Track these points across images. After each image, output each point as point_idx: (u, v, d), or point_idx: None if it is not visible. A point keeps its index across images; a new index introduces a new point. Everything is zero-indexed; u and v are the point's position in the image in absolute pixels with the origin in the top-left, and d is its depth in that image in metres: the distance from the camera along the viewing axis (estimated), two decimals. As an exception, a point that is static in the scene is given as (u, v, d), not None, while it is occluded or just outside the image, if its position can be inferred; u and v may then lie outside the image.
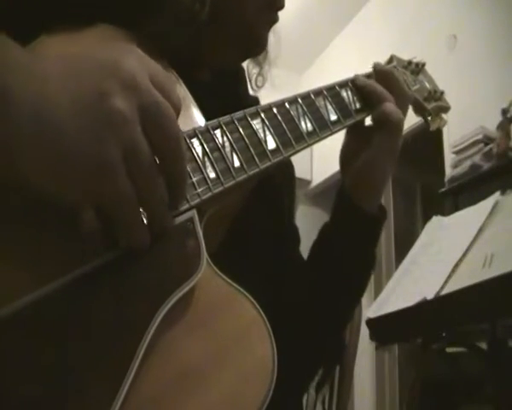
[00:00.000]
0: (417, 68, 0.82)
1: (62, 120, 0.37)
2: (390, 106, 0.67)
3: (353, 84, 0.69)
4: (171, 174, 0.42)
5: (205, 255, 0.44)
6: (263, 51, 0.70)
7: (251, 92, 0.77)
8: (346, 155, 0.73)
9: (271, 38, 0.70)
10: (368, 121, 0.72)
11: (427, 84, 0.82)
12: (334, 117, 0.64)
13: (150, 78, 0.41)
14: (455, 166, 2.79)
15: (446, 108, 0.83)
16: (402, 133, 0.69)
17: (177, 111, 0.43)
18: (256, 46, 0.69)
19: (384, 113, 0.67)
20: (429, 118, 0.80)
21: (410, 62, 0.81)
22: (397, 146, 0.69)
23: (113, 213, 0.39)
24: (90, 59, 0.41)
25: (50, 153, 0.36)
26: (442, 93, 0.82)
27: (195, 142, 0.49)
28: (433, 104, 0.80)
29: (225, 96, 0.64)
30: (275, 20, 0.68)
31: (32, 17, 0.49)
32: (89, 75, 0.39)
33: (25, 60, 0.38)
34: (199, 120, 0.53)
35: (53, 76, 0.38)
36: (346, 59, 4.08)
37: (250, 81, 0.76)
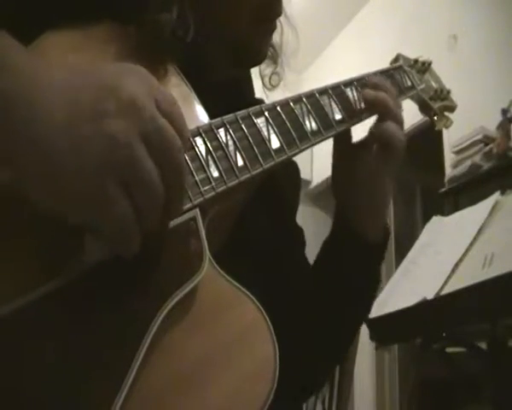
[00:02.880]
0: (423, 67, 0.81)
1: (54, 135, 0.36)
2: (396, 128, 0.63)
3: (359, 84, 0.68)
4: (169, 199, 0.40)
5: (207, 255, 0.44)
6: (263, 60, 0.68)
7: (263, 92, 0.74)
8: (339, 178, 0.69)
9: (277, 38, 0.69)
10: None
11: (434, 83, 0.82)
12: (338, 116, 0.63)
13: (156, 102, 0.40)
14: (455, 166, 2.78)
15: (453, 108, 0.82)
16: (402, 154, 0.65)
17: (184, 137, 0.41)
18: (254, 58, 0.67)
19: (389, 132, 0.63)
20: (435, 117, 0.79)
21: (416, 61, 0.81)
22: (396, 169, 0.65)
23: (109, 234, 0.38)
24: (91, 75, 0.40)
25: (41, 166, 0.36)
26: (448, 92, 0.81)
27: (199, 140, 0.48)
28: (439, 103, 0.80)
29: (231, 97, 0.62)
30: (272, 28, 0.66)
31: (36, 14, 0.49)
32: (88, 93, 0.38)
33: (25, 65, 0.37)
34: (203, 118, 0.52)
35: (52, 87, 0.37)
36: (347, 59, 4.07)
37: (263, 80, 0.74)
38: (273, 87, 0.74)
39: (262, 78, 0.73)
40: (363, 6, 4.27)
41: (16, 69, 0.36)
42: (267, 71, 0.73)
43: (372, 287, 0.69)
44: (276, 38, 0.68)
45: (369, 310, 0.71)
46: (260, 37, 0.65)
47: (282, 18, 0.66)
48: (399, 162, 0.65)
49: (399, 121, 0.64)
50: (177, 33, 0.54)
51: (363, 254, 0.65)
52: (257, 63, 0.69)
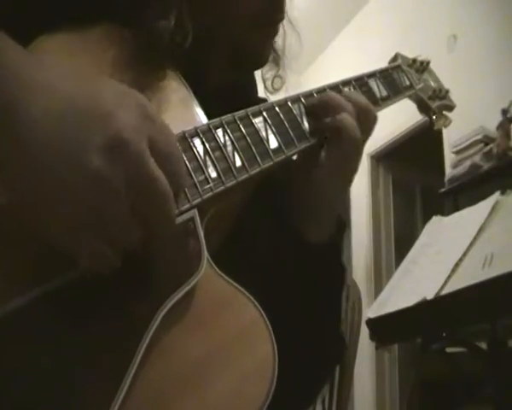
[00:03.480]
0: (422, 66, 0.81)
1: (35, 152, 0.35)
2: (347, 120, 0.57)
3: (357, 83, 0.66)
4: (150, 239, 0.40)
5: (205, 255, 0.44)
6: (265, 64, 0.67)
7: (264, 95, 0.74)
8: (293, 181, 0.63)
9: (279, 41, 0.68)
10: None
11: (432, 83, 0.81)
12: None
13: (150, 140, 0.38)
14: (455, 166, 2.79)
15: (451, 107, 0.82)
16: (358, 153, 0.59)
17: (179, 184, 0.40)
18: (256, 62, 0.66)
19: (337, 127, 0.57)
20: (434, 117, 0.79)
21: (414, 60, 0.80)
22: (349, 167, 0.59)
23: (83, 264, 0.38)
24: (85, 92, 0.38)
25: (24, 183, 0.35)
26: (447, 92, 0.81)
27: (197, 141, 0.48)
28: (437, 103, 0.79)
29: (234, 101, 0.61)
30: (273, 32, 0.65)
31: (33, 16, 0.49)
32: (78, 114, 0.36)
33: (20, 68, 0.36)
34: (201, 119, 0.52)
35: (39, 97, 0.36)
36: (346, 59, 4.08)
37: (265, 83, 0.73)
38: (275, 90, 0.73)
39: (264, 81, 0.73)
40: (362, 6, 4.28)
41: (10, 73, 0.35)
42: (269, 74, 0.72)
43: (321, 287, 0.63)
44: (278, 41, 0.68)
45: (332, 310, 0.66)
46: (262, 41, 0.64)
47: (284, 21, 0.66)
48: (353, 158, 0.59)
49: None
50: (175, 40, 0.53)
51: (302, 252, 0.61)
52: (259, 67, 0.68)
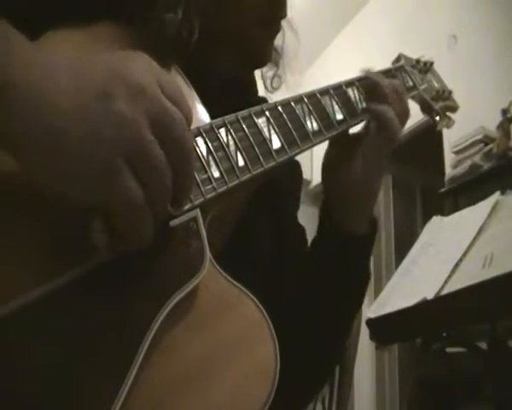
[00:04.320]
0: (425, 67, 0.81)
1: (62, 117, 0.36)
2: (392, 112, 0.63)
3: (360, 82, 0.67)
4: (177, 182, 0.41)
5: (208, 255, 0.44)
6: (267, 63, 0.68)
7: (264, 94, 0.73)
8: (329, 169, 0.67)
9: (279, 41, 0.68)
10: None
11: (436, 84, 0.81)
12: (340, 116, 0.63)
13: (160, 86, 0.41)
14: (455, 166, 2.79)
15: (454, 108, 0.82)
16: (393, 147, 0.63)
17: (189, 121, 0.42)
18: (259, 59, 0.67)
19: (385, 115, 0.62)
20: (437, 118, 0.79)
21: (418, 61, 0.80)
22: (386, 158, 0.63)
23: (120, 216, 0.39)
24: (97, 61, 0.40)
25: (50, 151, 0.36)
26: (450, 92, 0.81)
27: (200, 140, 0.48)
28: (440, 104, 0.79)
29: (235, 99, 0.61)
30: (276, 30, 0.66)
31: (39, 12, 0.49)
32: (94, 76, 0.39)
33: (28, 51, 0.37)
34: (204, 118, 0.52)
35: (57, 71, 0.37)
36: (346, 59, 4.07)
37: (265, 83, 0.74)
38: (274, 89, 0.73)
39: (264, 80, 0.73)
40: (362, 7, 4.27)
41: (20, 56, 0.36)
42: (269, 73, 0.73)
43: (359, 280, 0.67)
44: (277, 40, 0.68)
45: (359, 305, 0.69)
46: (266, 38, 0.65)
47: (283, 21, 0.66)
48: (391, 149, 0.63)
49: (402, 119, 0.65)
50: (181, 34, 0.54)
51: (345, 245, 0.64)
52: (262, 65, 0.69)
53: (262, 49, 0.65)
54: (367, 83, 0.66)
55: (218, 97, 0.55)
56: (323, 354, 0.68)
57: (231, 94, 0.63)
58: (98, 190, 0.38)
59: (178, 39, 0.54)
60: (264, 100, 0.72)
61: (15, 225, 0.38)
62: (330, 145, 0.68)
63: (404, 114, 0.66)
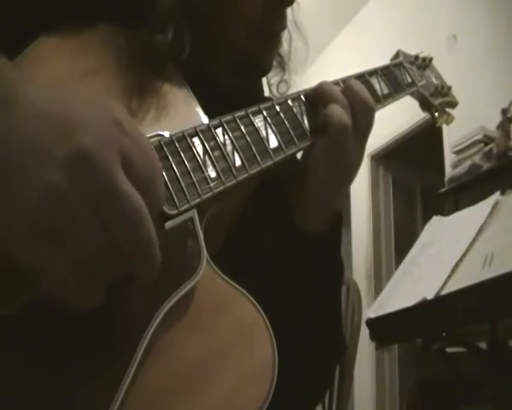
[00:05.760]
0: (424, 63, 0.80)
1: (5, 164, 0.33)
2: (334, 108, 0.56)
3: (358, 79, 0.64)
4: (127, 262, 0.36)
5: (205, 256, 0.44)
6: (268, 72, 0.67)
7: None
8: (292, 175, 0.62)
9: (285, 46, 0.67)
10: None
11: (434, 80, 0.81)
12: None
13: (122, 154, 0.35)
14: (455, 166, 2.79)
15: (454, 104, 0.81)
16: (345, 141, 0.57)
17: (156, 208, 0.37)
18: (258, 70, 0.66)
19: (325, 115, 0.56)
20: (436, 114, 0.79)
21: (416, 57, 0.80)
22: (340, 156, 0.57)
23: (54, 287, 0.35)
24: (52, 106, 0.35)
25: None
26: (449, 88, 0.80)
27: (196, 140, 0.48)
28: (439, 100, 0.79)
29: (239, 104, 0.61)
30: (276, 41, 0.64)
31: (31, 17, 0.48)
32: (44, 132, 0.34)
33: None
34: (201, 118, 0.52)
35: (13, 119, 0.34)
36: (346, 59, 4.07)
37: (270, 88, 0.72)
38: (280, 95, 0.72)
39: (269, 86, 0.72)
40: (362, 6, 4.28)
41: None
42: (274, 79, 0.72)
43: (318, 278, 0.62)
44: (284, 45, 0.67)
45: (333, 305, 0.65)
46: (263, 49, 0.63)
47: (290, 26, 0.66)
48: (340, 148, 0.57)
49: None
50: (171, 54, 0.53)
51: (298, 241, 0.60)
52: (262, 76, 0.68)
53: (260, 61, 0.64)
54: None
55: (224, 106, 0.53)
56: (323, 354, 0.68)
57: (238, 102, 0.62)
58: (23, 256, 0.34)
59: (168, 58, 0.53)
60: (269, 100, 0.72)
61: None
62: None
63: (359, 103, 0.59)
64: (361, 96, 0.59)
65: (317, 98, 0.59)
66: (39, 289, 0.36)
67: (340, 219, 0.63)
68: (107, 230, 0.34)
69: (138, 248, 0.35)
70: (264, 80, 0.72)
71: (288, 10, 0.64)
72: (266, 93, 0.73)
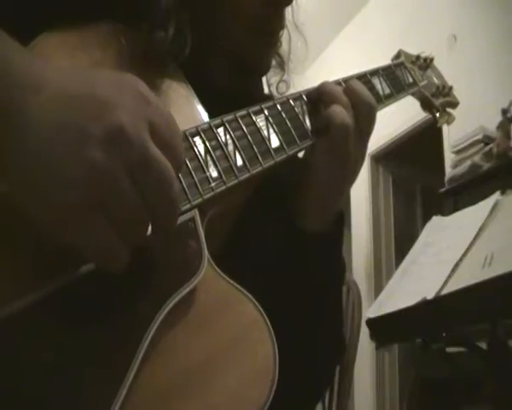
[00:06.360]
0: (425, 63, 0.80)
1: (40, 150, 0.35)
2: (336, 108, 0.56)
3: (359, 80, 0.64)
4: (157, 225, 0.39)
5: (206, 256, 0.44)
6: (267, 72, 0.67)
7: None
8: (294, 175, 0.62)
9: (284, 46, 0.67)
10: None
11: (436, 80, 0.81)
12: None
13: (151, 126, 0.38)
14: (455, 166, 2.79)
15: (455, 104, 0.81)
16: (347, 140, 0.56)
17: (177, 168, 0.40)
18: (256, 69, 0.66)
19: (327, 115, 0.56)
20: (437, 114, 0.79)
21: (418, 57, 0.80)
22: (341, 156, 0.57)
23: (92, 257, 0.38)
24: (86, 85, 0.38)
25: (29, 177, 0.35)
26: (451, 88, 0.80)
27: (198, 140, 0.48)
28: (441, 100, 0.79)
29: (243, 105, 0.58)
30: (274, 42, 0.64)
31: (33, 14, 0.49)
32: (78, 108, 0.36)
33: (23, 71, 0.36)
34: (202, 116, 0.52)
35: (47, 103, 0.36)
36: (346, 59, 4.07)
37: (269, 88, 0.72)
38: (280, 95, 0.72)
39: (269, 86, 0.72)
40: (362, 6, 4.28)
41: (17, 75, 0.36)
42: (273, 79, 0.72)
43: (319, 277, 0.62)
44: (283, 45, 0.67)
45: (334, 304, 0.65)
46: (261, 49, 0.63)
47: (290, 25, 0.66)
48: (342, 149, 0.57)
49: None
50: (172, 51, 0.53)
51: (297, 240, 0.60)
52: (261, 74, 0.68)
53: (258, 61, 0.64)
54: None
55: (225, 104, 0.54)
56: (324, 352, 0.68)
57: (238, 101, 0.62)
58: (71, 235, 0.36)
59: (169, 55, 0.53)
60: (269, 98, 0.72)
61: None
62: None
63: (361, 103, 0.58)
64: (363, 97, 0.59)
65: (318, 98, 0.59)
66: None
67: (341, 218, 0.63)
68: (144, 196, 0.37)
69: (169, 206, 0.38)
70: (263, 80, 0.72)
71: (288, 10, 0.64)
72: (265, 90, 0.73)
